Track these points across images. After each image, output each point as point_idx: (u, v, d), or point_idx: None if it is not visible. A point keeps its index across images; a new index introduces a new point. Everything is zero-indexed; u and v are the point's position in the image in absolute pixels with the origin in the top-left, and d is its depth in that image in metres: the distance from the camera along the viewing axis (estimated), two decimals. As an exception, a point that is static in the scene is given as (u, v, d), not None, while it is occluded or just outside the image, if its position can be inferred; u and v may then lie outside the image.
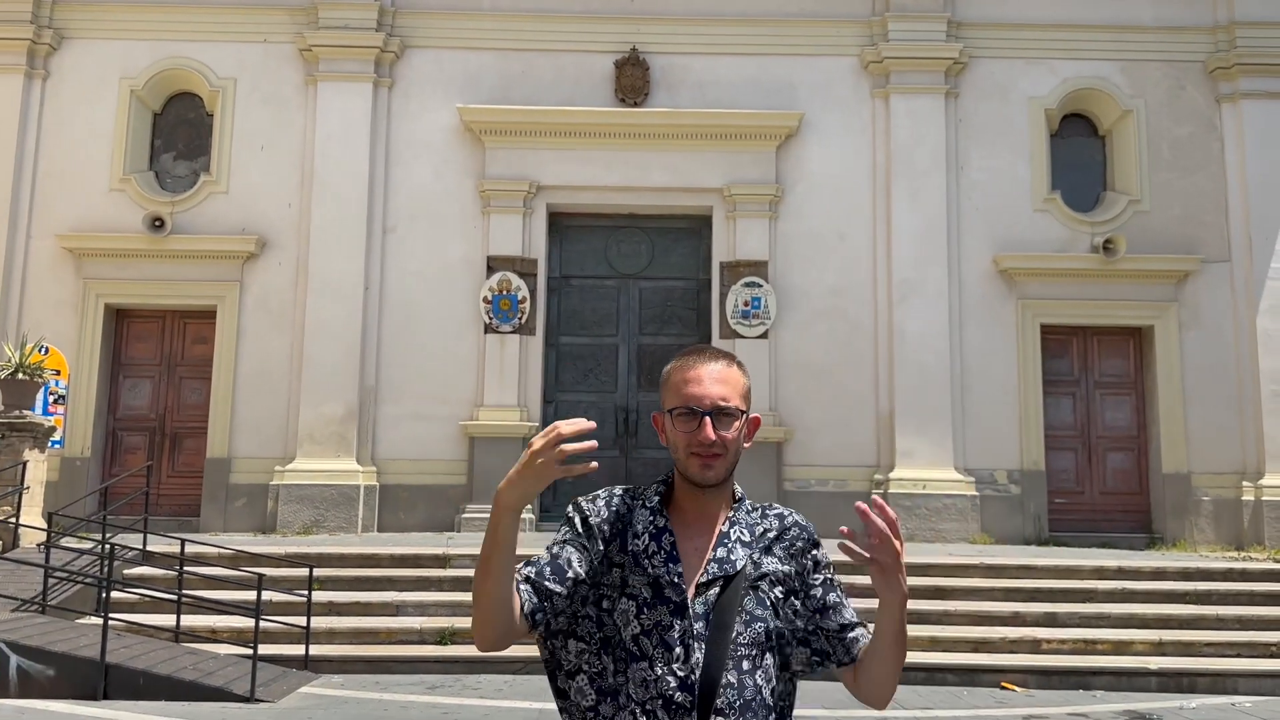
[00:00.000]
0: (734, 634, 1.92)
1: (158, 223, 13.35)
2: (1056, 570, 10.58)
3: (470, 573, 10.13)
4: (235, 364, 13.35)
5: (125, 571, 9.87)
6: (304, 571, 9.24)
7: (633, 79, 13.88)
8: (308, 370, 13.20)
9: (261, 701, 7.64)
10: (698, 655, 1.90)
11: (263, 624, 8.30)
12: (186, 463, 13.55)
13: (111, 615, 8.26)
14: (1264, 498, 13.05)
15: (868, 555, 1.85)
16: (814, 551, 2.07)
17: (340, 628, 9.29)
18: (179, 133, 14.27)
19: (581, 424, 1.76)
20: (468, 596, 9.93)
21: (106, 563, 9.05)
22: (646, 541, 1.99)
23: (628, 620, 1.93)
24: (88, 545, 10.14)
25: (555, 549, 1.99)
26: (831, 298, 13.65)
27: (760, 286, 13.47)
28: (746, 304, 13.46)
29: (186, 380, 13.74)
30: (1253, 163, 13.76)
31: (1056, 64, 14.12)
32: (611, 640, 1.94)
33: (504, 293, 13.41)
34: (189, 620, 9.12)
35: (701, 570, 1.97)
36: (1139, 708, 8.10)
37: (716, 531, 2.02)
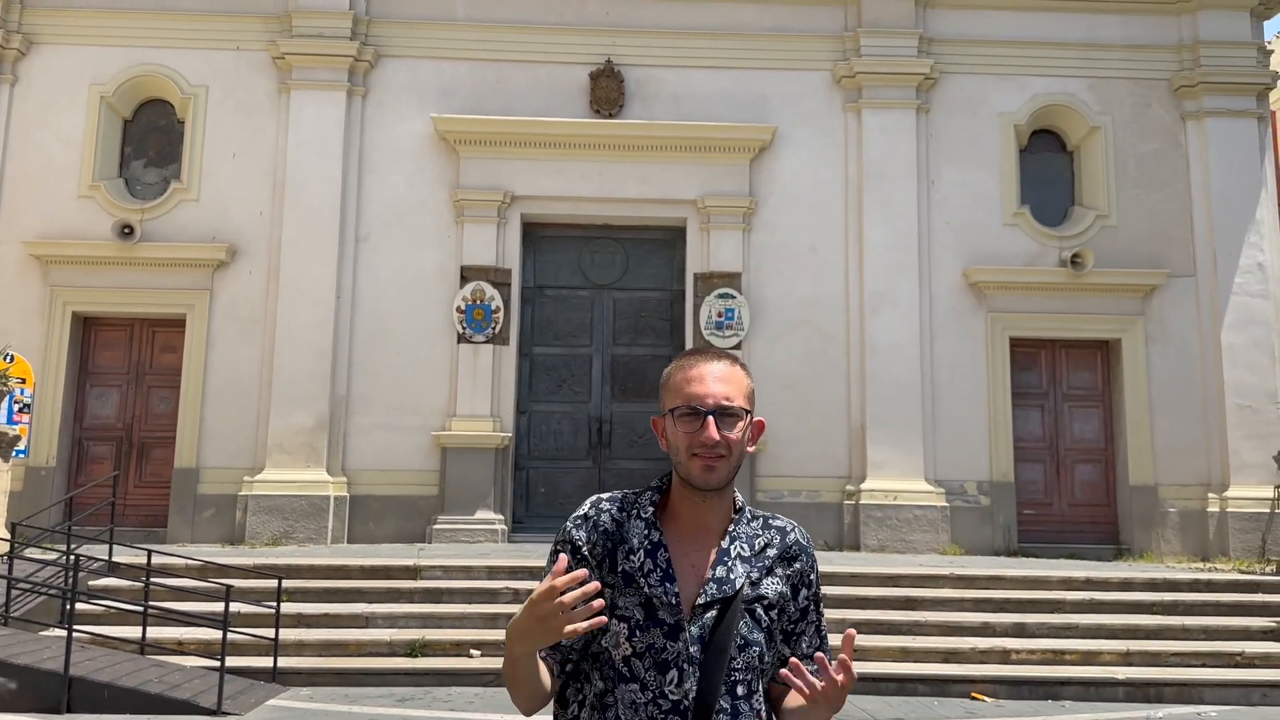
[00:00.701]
0: (729, 658, 1.85)
1: (127, 230, 13.22)
2: (1025, 581, 10.66)
3: (440, 584, 10.10)
4: (204, 373, 13.22)
5: (90, 583, 9.74)
6: (273, 583, 9.15)
7: (607, 90, 13.92)
8: (278, 380, 13.09)
9: (229, 714, 7.55)
10: (692, 680, 1.83)
11: (230, 636, 8.21)
12: (154, 473, 13.39)
13: (76, 627, 8.14)
14: (1228, 509, 13.23)
15: (812, 689, 1.75)
16: (811, 575, 2.00)
17: (309, 640, 9.19)
18: (150, 140, 14.15)
19: (578, 574, 1.69)
20: (438, 608, 9.89)
21: (71, 574, 8.90)
22: (641, 558, 1.90)
23: (617, 643, 1.86)
24: (52, 556, 9.99)
25: None
26: (804, 309, 13.72)
27: (734, 298, 13.53)
28: (720, 315, 13.50)
29: (154, 389, 13.59)
30: (1216, 179, 13.99)
31: (1026, 80, 14.30)
32: (600, 658, 1.88)
33: (477, 302, 13.38)
34: (155, 632, 9.00)
35: (700, 591, 1.89)
36: (1107, 718, 8.17)
37: (716, 546, 1.93)
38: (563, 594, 1.67)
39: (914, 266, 13.72)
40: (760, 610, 1.91)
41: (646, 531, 1.92)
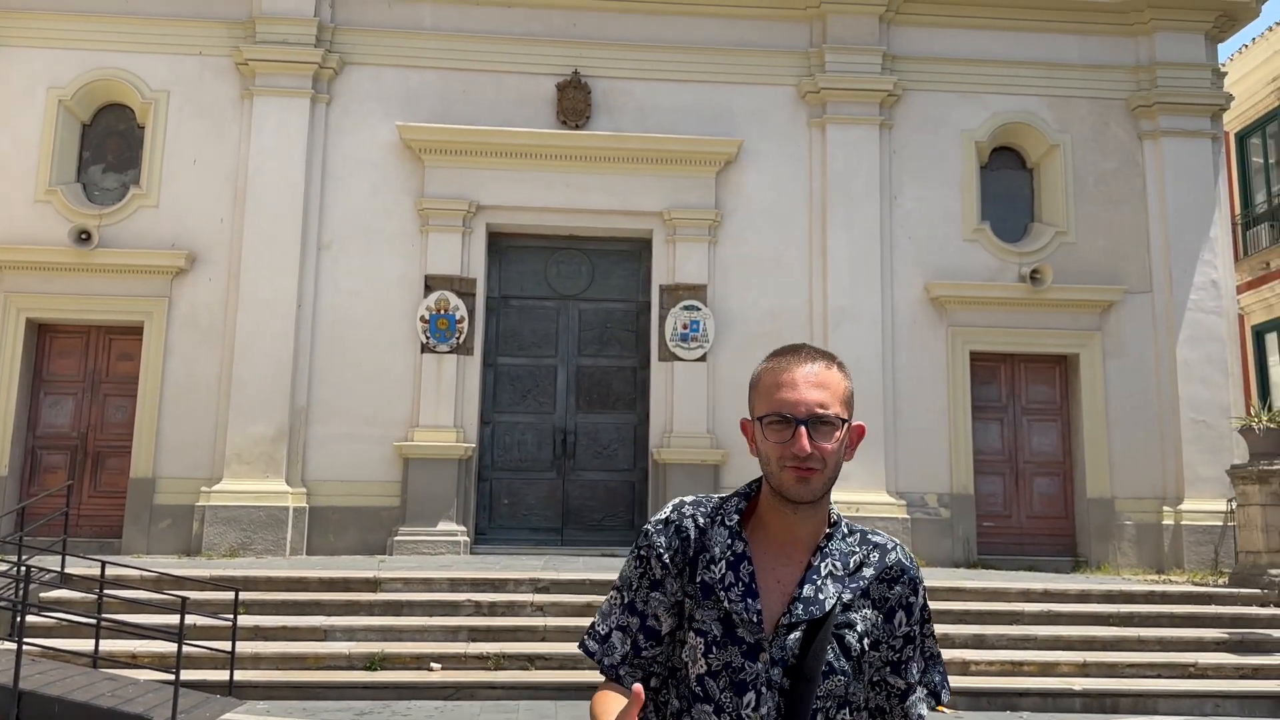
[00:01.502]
0: (815, 686, 1.71)
1: (84, 236, 13.02)
2: (984, 593, 10.74)
3: (401, 597, 10.01)
4: (162, 382, 13.03)
5: (42, 595, 9.55)
6: (229, 595, 9.03)
7: (574, 102, 13.94)
8: (237, 389, 12.93)
9: (183, 729, 7.42)
10: (770, 704, 1.70)
11: (186, 649, 8.07)
12: (109, 483, 13.15)
13: (27, 640, 7.96)
14: (1183, 522, 13.45)
15: None
16: (913, 599, 1.82)
17: (266, 653, 9.07)
18: (109, 144, 13.95)
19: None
20: (398, 621, 9.84)
21: (22, 585, 8.73)
22: (723, 570, 1.75)
23: (695, 658, 1.73)
24: (3, 567, 9.79)
25: (639, 604, 1.79)
26: (768, 321, 13.78)
27: (699, 310, 13.57)
28: (685, 327, 13.53)
29: (111, 398, 13.37)
30: (1172, 198, 14.26)
31: (987, 98, 14.51)
32: (677, 673, 1.76)
33: (442, 312, 13.31)
34: (109, 645, 8.83)
35: (785, 610, 1.74)
36: (1063, 728, 8.25)
37: (805, 562, 1.78)
38: None
39: (876, 281, 13.85)
40: (850, 638, 1.75)
41: (730, 541, 1.77)
